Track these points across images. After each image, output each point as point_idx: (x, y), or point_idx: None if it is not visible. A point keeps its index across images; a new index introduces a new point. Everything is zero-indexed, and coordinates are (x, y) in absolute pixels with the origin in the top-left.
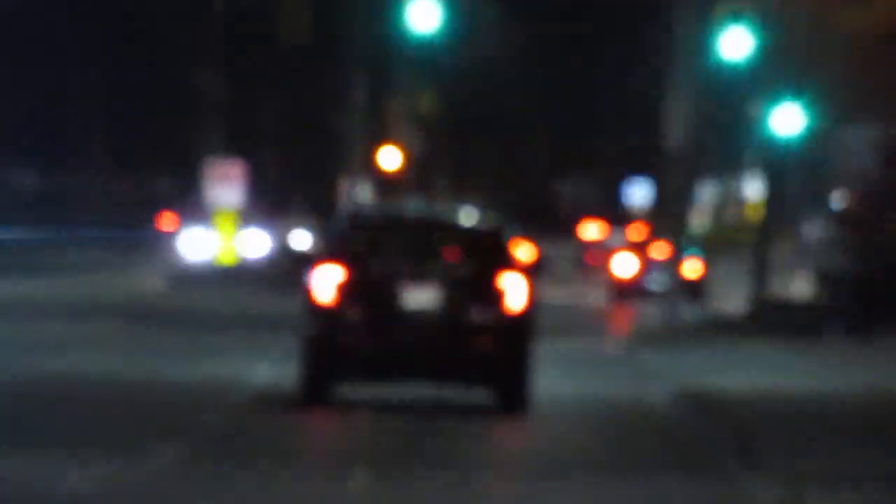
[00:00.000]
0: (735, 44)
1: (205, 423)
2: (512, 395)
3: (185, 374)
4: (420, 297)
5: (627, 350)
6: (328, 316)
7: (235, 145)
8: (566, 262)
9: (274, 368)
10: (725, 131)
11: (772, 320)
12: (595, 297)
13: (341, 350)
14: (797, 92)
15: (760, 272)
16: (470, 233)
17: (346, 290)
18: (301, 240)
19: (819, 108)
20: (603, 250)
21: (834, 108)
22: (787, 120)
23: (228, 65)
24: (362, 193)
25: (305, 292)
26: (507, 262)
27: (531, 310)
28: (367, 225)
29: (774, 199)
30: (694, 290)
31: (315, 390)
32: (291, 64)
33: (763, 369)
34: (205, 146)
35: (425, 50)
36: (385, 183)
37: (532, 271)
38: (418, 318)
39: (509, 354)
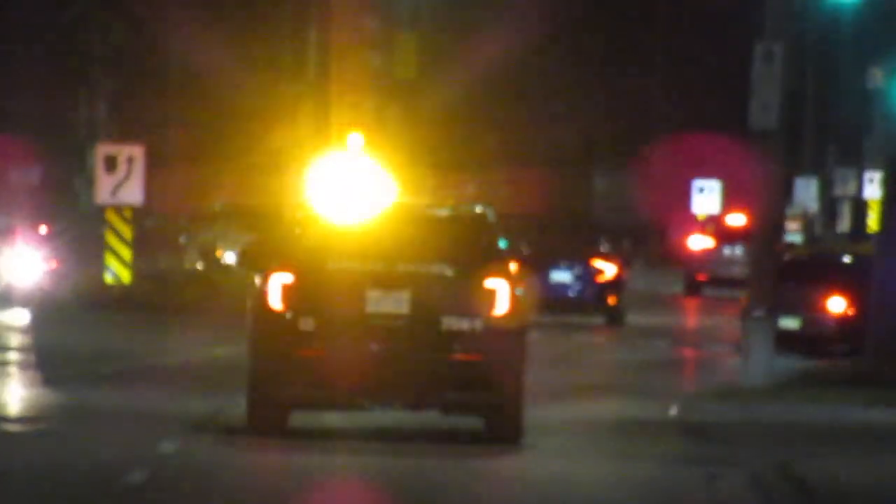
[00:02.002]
0: None
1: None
2: (500, 419)
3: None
4: (387, 302)
5: (683, 413)
6: (278, 324)
7: (120, 116)
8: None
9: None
10: (837, 107)
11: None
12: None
13: (292, 363)
14: None
15: (878, 301)
16: (449, 227)
17: (300, 295)
18: (232, 252)
19: None
20: (720, 265)
21: None
22: None
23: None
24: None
25: (253, 300)
26: (494, 262)
27: (521, 319)
28: (326, 220)
29: (894, 198)
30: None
31: (265, 413)
32: None
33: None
34: (83, 118)
35: None
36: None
37: (612, 289)
38: (384, 325)
39: (495, 369)
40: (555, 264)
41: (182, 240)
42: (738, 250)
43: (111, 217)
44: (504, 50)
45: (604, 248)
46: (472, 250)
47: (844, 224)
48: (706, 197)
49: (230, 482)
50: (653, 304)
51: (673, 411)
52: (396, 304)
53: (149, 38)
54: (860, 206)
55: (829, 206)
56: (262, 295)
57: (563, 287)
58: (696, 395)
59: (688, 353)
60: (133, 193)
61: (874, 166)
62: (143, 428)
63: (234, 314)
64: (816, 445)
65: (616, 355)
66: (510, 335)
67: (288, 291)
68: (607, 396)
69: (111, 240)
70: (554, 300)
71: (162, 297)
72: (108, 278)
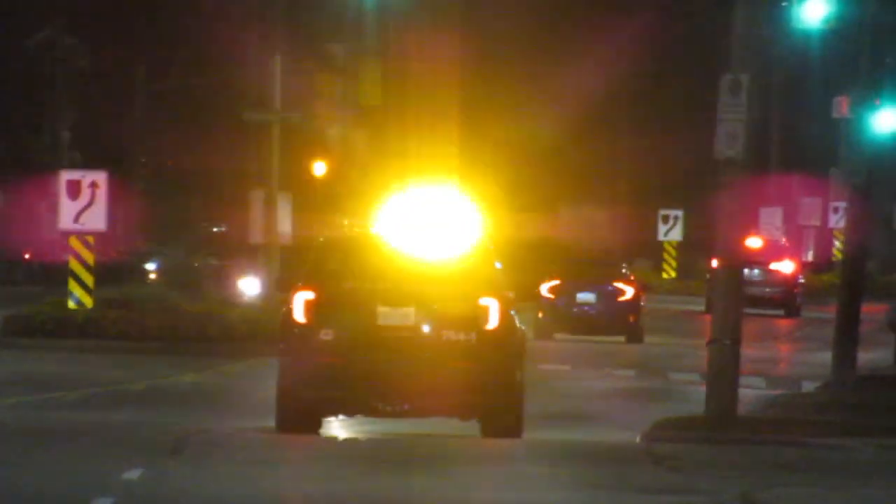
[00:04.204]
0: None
1: None
2: (496, 419)
3: None
4: (395, 316)
5: (648, 441)
6: (302, 335)
7: (83, 147)
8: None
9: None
10: (802, 136)
11: (863, 400)
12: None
13: (314, 368)
14: None
15: (844, 332)
16: (448, 255)
17: (321, 310)
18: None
19: None
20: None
21: None
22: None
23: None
24: (284, 213)
25: (282, 317)
26: (488, 285)
27: (513, 333)
28: (341, 248)
29: (858, 228)
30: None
31: (294, 418)
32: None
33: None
34: (47, 146)
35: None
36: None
37: (631, 309)
38: (393, 336)
39: (488, 376)
40: (581, 287)
41: (151, 266)
42: (756, 271)
43: (74, 243)
44: (472, 77)
45: (624, 271)
46: (469, 273)
47: (809, 253)
48: (670, 226)
49: None
50: (675, 322)
51: (638, 440)
52: (403, 318)
53: (113, 66)
54: (825, 236)
55: (795, 235)
56: (288, 310)
57: (588, 307)
58: (662, 424)
59: (657, 381)
60: (96, 220)
61: (839, 196)
62: (108, 454)
63: (201, 340)
64: (781, 474)
65: (585, 383)
66: (501, 346)
67: (310, 307)
68: (576, 424)
69: (74, 266)
70: (580, 319)
71: (127, 323)
72: (71, 304)
